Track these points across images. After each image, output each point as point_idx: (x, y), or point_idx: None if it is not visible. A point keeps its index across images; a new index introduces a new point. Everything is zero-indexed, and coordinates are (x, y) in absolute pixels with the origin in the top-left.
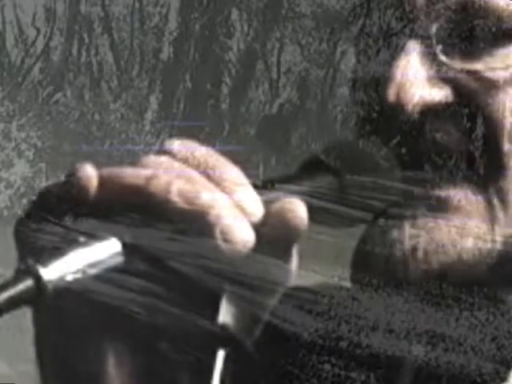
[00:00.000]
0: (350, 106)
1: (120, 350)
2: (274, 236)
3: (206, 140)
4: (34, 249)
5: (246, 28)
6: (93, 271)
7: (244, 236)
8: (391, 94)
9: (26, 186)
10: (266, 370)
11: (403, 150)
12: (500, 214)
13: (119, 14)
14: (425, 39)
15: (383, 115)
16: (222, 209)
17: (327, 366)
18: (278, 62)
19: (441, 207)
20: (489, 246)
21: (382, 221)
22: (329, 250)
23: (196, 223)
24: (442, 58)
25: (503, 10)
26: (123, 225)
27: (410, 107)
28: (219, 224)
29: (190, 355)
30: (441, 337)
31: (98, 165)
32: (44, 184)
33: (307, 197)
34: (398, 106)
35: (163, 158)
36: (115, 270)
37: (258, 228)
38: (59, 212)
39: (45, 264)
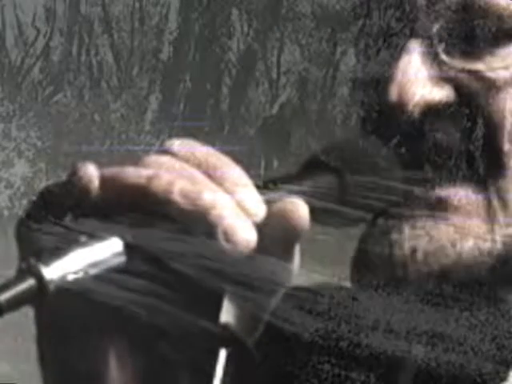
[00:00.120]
0: (350, 106)
1: (122, 350)
2: (275, 236)
3: (206, 140)
4: (35, 248)
5: (246, 28)
6: (94, 271)
7: (246, 236)
8: (392, 94)
9: (26, 186)
10: (267, 370)
11: (403, 150)
12: (500, 214)
13: (119, 14)
14: (425, 39)
15: (383, 115)
16: (223, 209)
17: (327, 366)
18: (278, 62)
19: (441, 207)
20: (489, 245)
21: (381, 221)
22: (329, 250)
23: (198, 223)
24: (443, 57)
25: (504, 9)
26: (125, 225)
27: (410, 107)
28: (221, 224)
29: (192, 355)
30: (441, 337)
31: (98, 165)
32: (44, 184)
33: (308, 197)
34: (399, 106)
35: (165, 158)
36: (117, 269)
37: (259, 228)
38: (61, 211)
39: (46, 263)
